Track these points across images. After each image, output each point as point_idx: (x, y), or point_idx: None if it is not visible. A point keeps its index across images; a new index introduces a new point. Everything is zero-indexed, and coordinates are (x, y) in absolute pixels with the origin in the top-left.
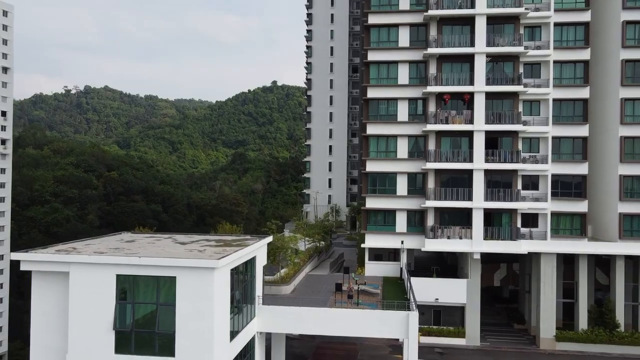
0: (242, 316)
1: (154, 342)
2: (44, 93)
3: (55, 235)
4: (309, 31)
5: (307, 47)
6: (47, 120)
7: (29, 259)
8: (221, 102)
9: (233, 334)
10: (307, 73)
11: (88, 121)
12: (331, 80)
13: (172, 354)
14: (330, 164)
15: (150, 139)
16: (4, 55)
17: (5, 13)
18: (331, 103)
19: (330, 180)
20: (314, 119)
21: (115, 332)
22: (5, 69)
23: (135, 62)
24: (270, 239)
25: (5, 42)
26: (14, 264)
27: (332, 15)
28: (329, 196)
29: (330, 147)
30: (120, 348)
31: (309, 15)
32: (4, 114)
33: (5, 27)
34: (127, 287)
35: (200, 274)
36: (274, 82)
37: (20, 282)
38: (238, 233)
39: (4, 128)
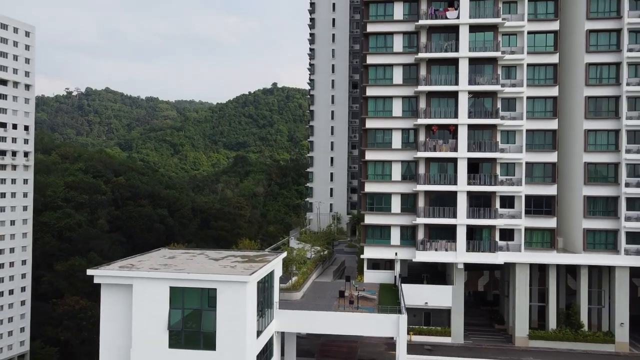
0: (264, 318)
1: (199, 339)
2: (45, 95)
3: (68, 240)
4: (311, 49)
5: (310, 64)
6: (49, 122)
7: (101, 274)
8: (222, 104)
9: (259, 333)
10: (310, 89)
11: (89, 123)
12: (332, 96)
13: (214, 348)
14: (331, 174)
15: (151, 141)
16: (27, 74)
17: (27, 34)
18: (332, 117)
19: (331, 189)
20: (316, 133)
21: (169, 331)
22: (27, 86)
23: (135, 63)
24: (285, 254)
25: (27, 61)
26: (33, 267)
27: (333, 35)
28: (331, 205)
29: (332, 158)
30: (173, 343)
31: (312, 35)
32: (26, 128)
33: (27, 47)
34: (178, 296)
35: (235, 287)
36: (274, 84)
37: (37, 285)
38: (257, 248)
39: (26, 141)
